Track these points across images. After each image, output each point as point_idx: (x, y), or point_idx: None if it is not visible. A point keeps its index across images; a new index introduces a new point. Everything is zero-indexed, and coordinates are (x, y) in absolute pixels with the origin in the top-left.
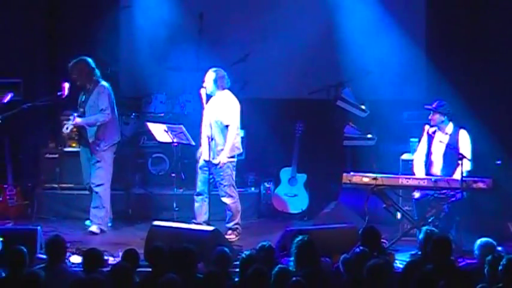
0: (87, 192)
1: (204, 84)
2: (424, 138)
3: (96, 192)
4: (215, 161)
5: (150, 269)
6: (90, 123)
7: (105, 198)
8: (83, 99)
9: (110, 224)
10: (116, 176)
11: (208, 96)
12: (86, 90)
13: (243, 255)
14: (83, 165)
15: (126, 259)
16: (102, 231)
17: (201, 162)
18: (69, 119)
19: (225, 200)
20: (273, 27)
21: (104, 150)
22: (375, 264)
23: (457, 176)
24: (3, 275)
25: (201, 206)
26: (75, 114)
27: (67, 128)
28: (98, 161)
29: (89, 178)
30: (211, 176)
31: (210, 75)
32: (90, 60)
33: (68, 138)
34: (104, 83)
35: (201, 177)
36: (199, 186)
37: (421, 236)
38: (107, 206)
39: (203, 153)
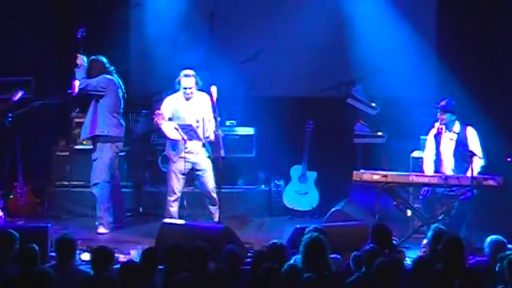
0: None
1: (191, 89)
2: (432, 136)
3: (93, 193)
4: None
5: (160, 267)
6: (80, 73)
7: (100, 198)
8: None
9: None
10: (127, 174)
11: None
12: None
13: (255, 252)
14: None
15: (146, 258)
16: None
17: (187, 166)
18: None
19: (215, 195)
20: (283, 25)
21: (101, 148)
22: (383, 262)
23: (469, 173)
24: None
25: (178, 208)
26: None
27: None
28: (94, 159)
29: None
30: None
31: (193, 79)
32: (103, 59)
33: (79, 135)
34: (109, 76)
35: (182, 181)
36: (180, 190)
37: (429, 234)
38: (105, 205)
39: (193, 155)
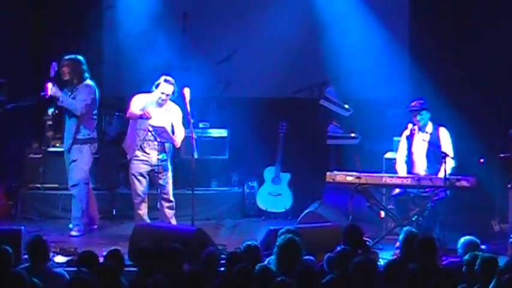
0: (70, 192)
1: (168, 96)
2: (404, 137)
3: (72, 194)
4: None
5: (134, 269)
6: (67, 103)
7: (79, 198)
8: (68, 95)
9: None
10: (100, 176)
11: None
12: (71, 86)
13: (229, 254)
14: (66, 167)
15: (110, 259)
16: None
17: (143, 167)
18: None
19: (173, 199)
20: (257, 26)
21: (80, 149)
22: (360, 261)
23: (441, 174)
24: None
25: (147, 209)
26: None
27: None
28: (73, 160)
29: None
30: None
31: (172, 87)
32: (81, 58)
33: (52, 138)
34: (89, 81)
35: (144, 183)
36: (144, 191)
37: (401, 236)
38: (83, 206)
39: (153, 157)
